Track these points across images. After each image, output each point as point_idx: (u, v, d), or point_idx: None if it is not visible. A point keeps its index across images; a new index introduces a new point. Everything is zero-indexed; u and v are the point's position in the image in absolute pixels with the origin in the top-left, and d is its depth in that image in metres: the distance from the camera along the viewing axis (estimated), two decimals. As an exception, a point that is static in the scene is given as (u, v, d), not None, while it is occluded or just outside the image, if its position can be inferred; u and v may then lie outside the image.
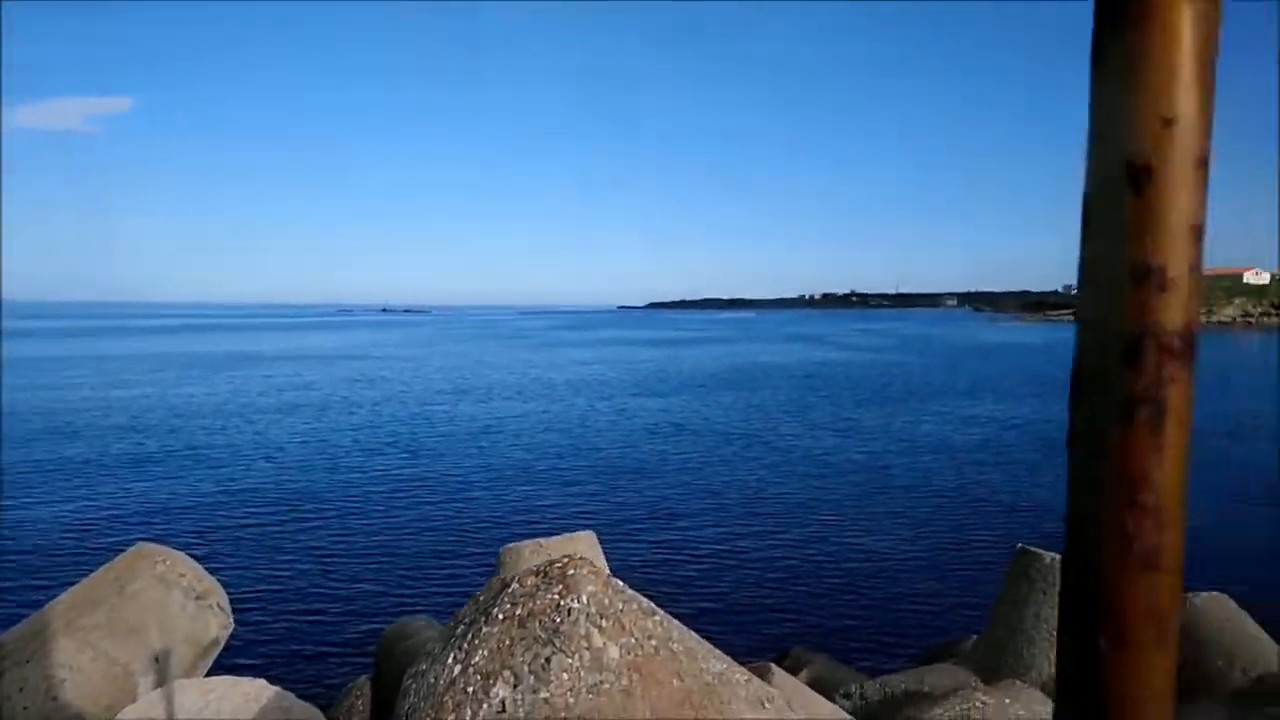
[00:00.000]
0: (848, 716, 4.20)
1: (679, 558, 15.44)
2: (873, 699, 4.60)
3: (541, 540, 4.81)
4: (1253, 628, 4.93)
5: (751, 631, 11.92)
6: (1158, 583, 0.67)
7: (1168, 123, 0.60)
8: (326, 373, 54.92)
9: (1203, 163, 0.62)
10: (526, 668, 2.26)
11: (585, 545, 4.80)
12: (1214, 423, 35.79)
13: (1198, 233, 0.64)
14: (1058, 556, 4.85)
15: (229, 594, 5.93)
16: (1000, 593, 4.67)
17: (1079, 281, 0.77)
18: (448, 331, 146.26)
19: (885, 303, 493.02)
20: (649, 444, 28.87)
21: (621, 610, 2.44)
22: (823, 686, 5.54)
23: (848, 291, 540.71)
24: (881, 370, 62.16)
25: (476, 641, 2.30)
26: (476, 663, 2.30)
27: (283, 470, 23.06)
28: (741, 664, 5.61)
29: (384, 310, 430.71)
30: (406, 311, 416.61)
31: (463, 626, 2.47)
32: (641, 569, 14.08)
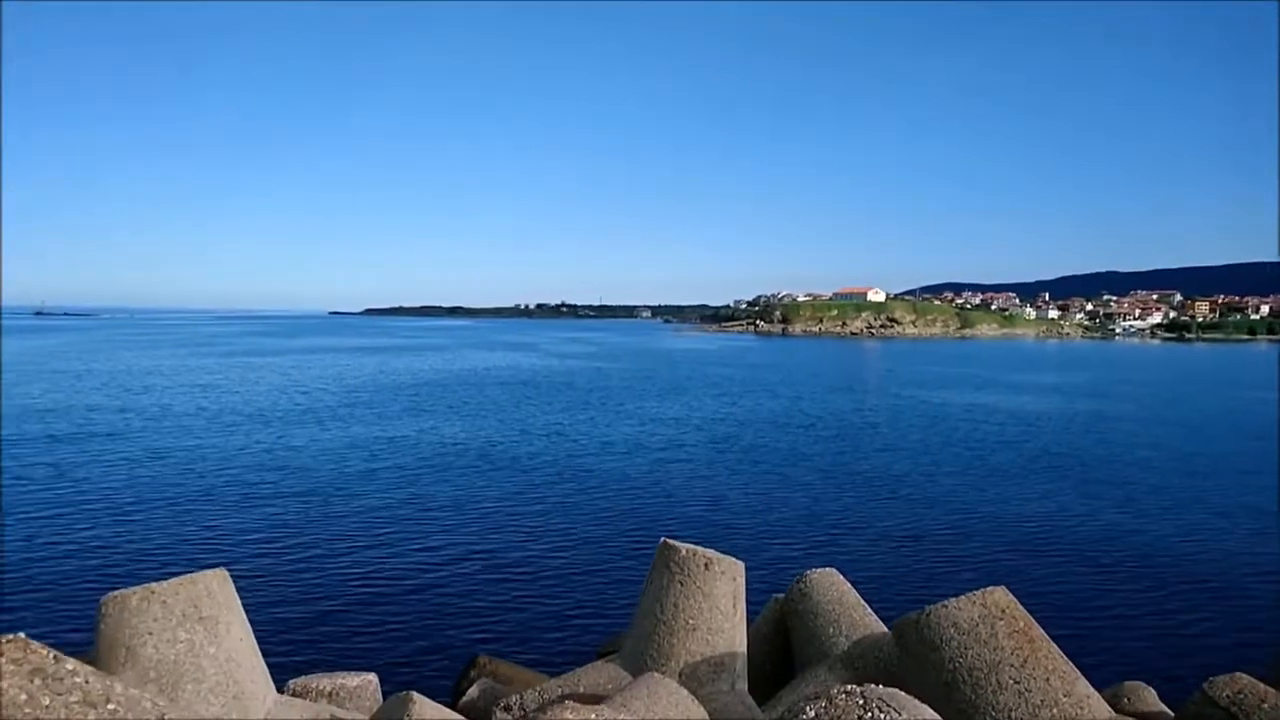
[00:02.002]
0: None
1: (354, 586, 13.92)
2: (530, 708, 4.35)
3: (155, 585, 3.96)
4: (856, 597, 5.43)
5: (438, 644, 11.31)
6: None
7: None
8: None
9: None
10: None
11: (213, 585, 4.04)
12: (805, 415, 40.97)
13: None
14: (695, 548, 5.01)
15: None
16: (645, 585, 4.65)
17: None
18: (116, 337, 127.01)
19: (591, 313, 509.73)
20: (342, 461, 26.98)
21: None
22: (488, 699, 5.24)
23: (559, 302, 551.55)
24: (588, 376, 63.85)
25: None
26: None
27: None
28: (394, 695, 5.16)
29: (38, 313, 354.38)
30: (66, 314, 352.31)
31: None
32: (298, 603, 12.75)
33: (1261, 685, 3.80)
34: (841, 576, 5.63)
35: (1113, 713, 3.27)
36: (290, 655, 10.63)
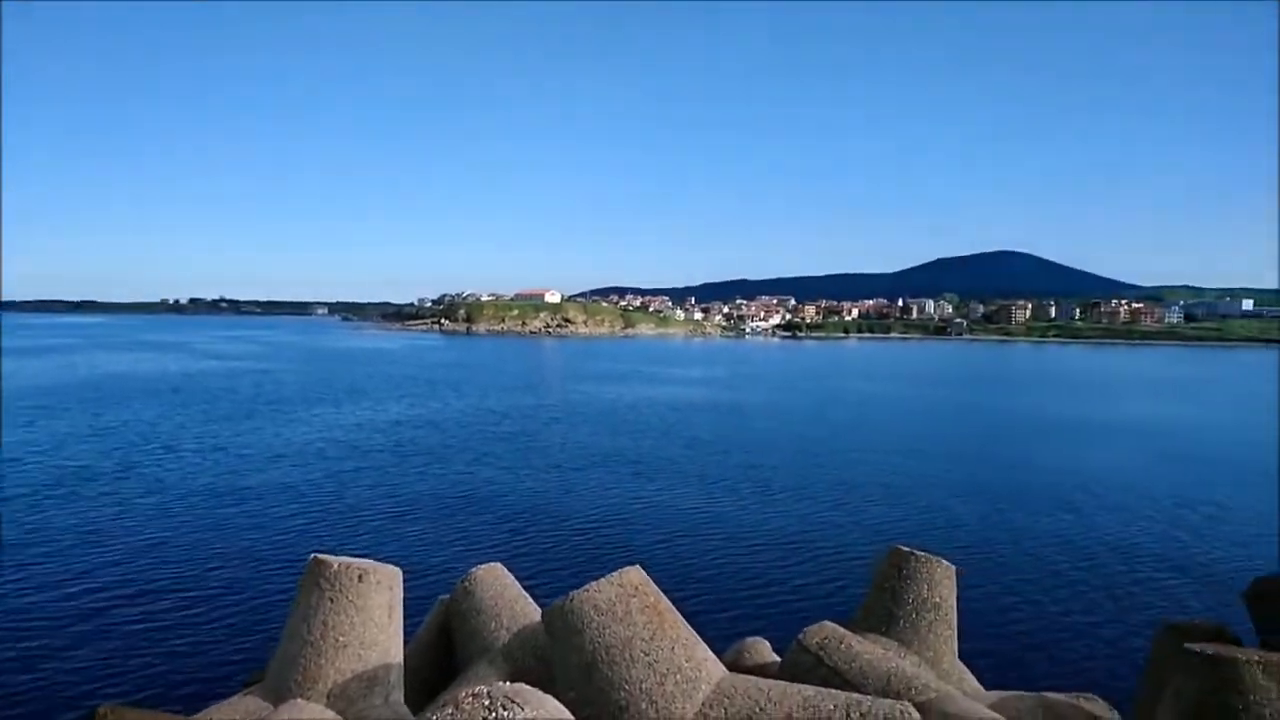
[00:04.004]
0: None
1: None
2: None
3: None
4: (518, 591, 5.46)
5: (52, 701, 9.37)
6: None
7: None
8: None
9: None
10: None
11: None
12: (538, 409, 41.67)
13: None
14: (348, 561, 4.68)
15: None
16: (293, 606, 4.22)
17: None
18: None
19: (257, 309, 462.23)
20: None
21: None
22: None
23: (218, 297, 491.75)
24: (254, 380, 57.49)
25: None
26: None
27: None
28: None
29: None
30: None
31: None
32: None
33: (842, 630, 4.50)
34: (505, 571, 5.61)
35: (726, 670, 3.62)
36: None
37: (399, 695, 4.21)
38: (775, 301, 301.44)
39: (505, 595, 5.30)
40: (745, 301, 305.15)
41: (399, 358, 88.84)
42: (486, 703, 2.07)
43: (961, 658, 4.96)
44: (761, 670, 4.88)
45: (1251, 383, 78.13)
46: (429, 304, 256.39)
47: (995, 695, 4.49)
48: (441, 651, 5.47)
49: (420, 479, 23.15)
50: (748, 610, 12.60)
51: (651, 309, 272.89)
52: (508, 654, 4.69)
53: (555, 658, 3.78)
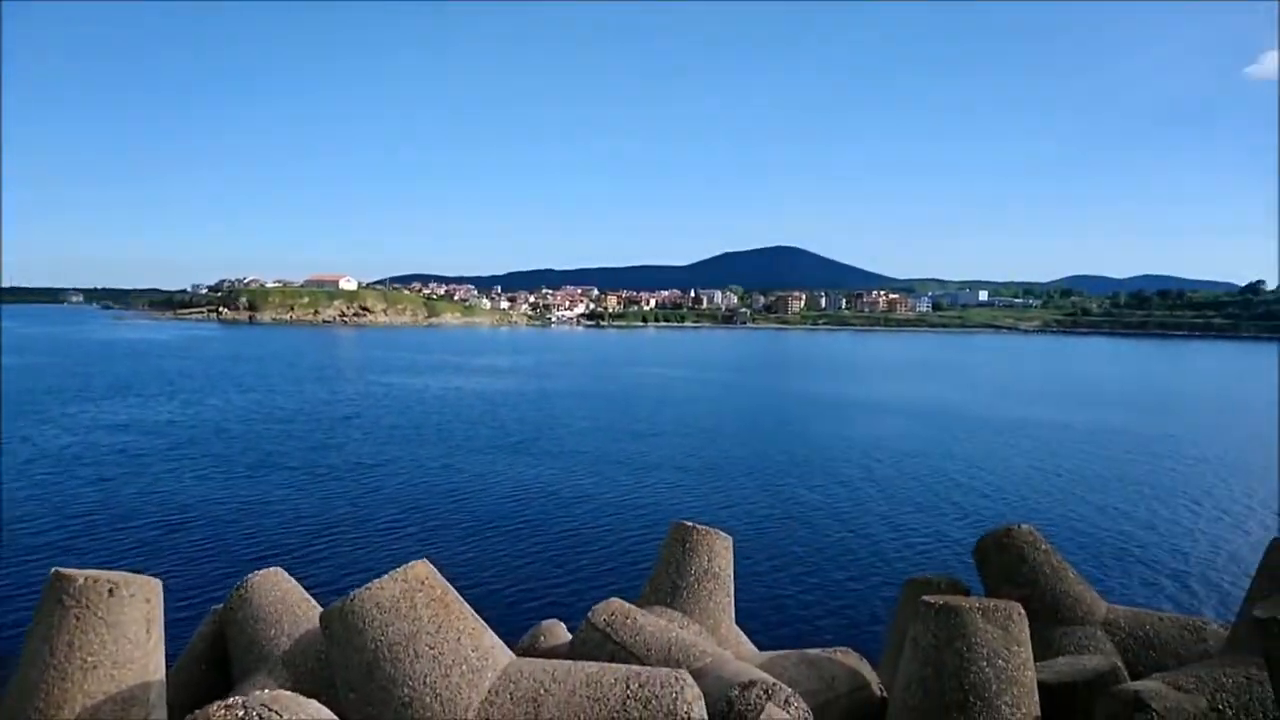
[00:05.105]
0: None
1: None
2: None
3: None
4: (301, 595, 5.11)
5: None
6: None
7: None
8: None
9: None
10: None
11: None
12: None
13: None
14: (97, 574, 4.19)
15: None
16: (31, 627, 3.70)
17: None
18: None
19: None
20: None
21: None
22: None
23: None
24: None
25: None
26: None
27: None
28: None
29: None
30: None
31: None
32: None
33: (629, 605, 4.66)
34: (286, 575, 5.23)
35: (513, 655, 3.65)
36: None
37: (161, 714, 3.82)
38: (580, 291, 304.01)
39: (286, 600, 4.95)
40: (551, 291, 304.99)
41: (171, 350, 79.74)
42: (240, 713, 1.95)
43: (739, 622, 5.33)
44: (554, 652, 4.96)
45: (992, 365, 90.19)
46: (205, 291, 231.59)
47: (766, 656, 4.86)
48: (214, 665, 5.02)
49: (195, 484, 21.02)
50: (548, 594, 12.74)
51: (457, 298, 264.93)
52: (288, 661, 4.40)
53: (335, 660, 3.61)
